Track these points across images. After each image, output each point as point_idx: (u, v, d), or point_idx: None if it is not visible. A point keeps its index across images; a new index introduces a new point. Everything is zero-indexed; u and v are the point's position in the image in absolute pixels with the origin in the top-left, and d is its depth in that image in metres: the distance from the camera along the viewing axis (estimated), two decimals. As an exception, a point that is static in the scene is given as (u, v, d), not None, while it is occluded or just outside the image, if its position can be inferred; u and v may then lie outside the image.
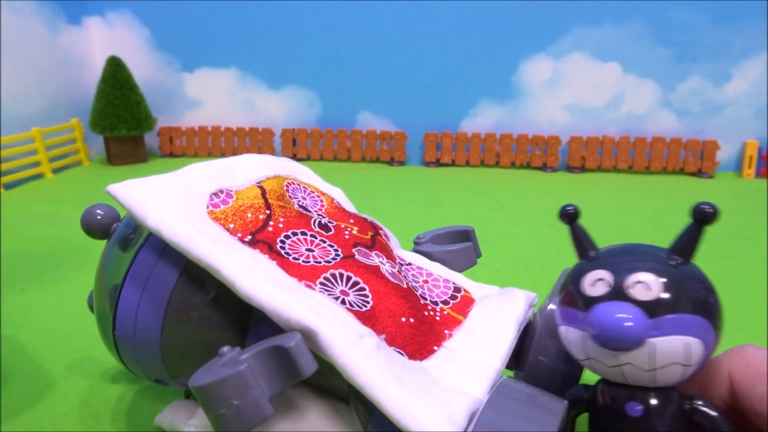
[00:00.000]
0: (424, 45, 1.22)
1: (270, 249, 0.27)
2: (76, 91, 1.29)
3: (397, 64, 1.24)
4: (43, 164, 1.15)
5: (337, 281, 0.26)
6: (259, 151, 1.32)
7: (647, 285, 0.22)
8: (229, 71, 1.32)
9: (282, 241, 0.28)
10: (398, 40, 1.23)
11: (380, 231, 0.33)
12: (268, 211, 0.29)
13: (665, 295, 0.22)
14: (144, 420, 0.36)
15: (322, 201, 0.33)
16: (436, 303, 0.29)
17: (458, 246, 0.36)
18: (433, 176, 1.16)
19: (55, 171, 1.19)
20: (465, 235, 0.38)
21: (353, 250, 0.28)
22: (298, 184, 0.33)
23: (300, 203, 0.31)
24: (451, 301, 0.30)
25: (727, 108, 1.15)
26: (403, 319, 0.26)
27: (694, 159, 1.16)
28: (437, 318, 0.28)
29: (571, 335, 0.25)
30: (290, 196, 0.31)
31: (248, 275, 0.24)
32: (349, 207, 0.35)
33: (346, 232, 0.30)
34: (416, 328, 0.26)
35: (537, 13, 1.16)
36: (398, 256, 0.33)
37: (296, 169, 0.36)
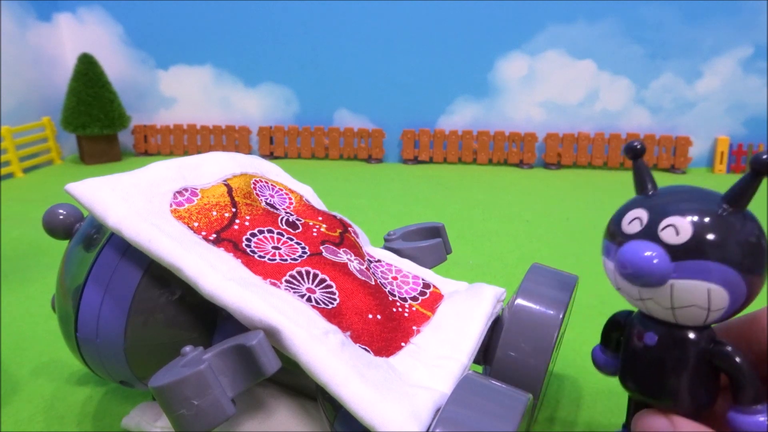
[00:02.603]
0: (401, 43, 1.22)
1: (235, 247, 0.26)
2: (46, 88, 1.26)
3: (375, 62, 1.24)
4: (13, 163, 1.13)
5: (303, 279, 0.26)
6: (236, 149, 1.31)
7: (676, 229, 0.23)
8: (205, 69, 1.30)
9: (248, 240, 0.27)
10: (375, 38, 1.22)
11: (349, 228, 0.33)
12: (234, 209, 0.29)
13: (692, 241, 0.22)
14: (111, 422, 0.35)
15: (290, 199, 0.33)
16: (404, 299, 0.29)
17: (428, 242, 0.36)
18: (410, 173, 1.16)
19: (26, 170, 1.17)
20: (435, 232, 0.38)
21: (321, 247, 0.28)
22: (266, 182, 0.33)
23: (267, 201, 0.31)
24: (420, 297, 0.30)
25: (699, 104, 1.17)
26: (370, 316, 0.26)
27: (667, 155, 1.18)
28: (405, 314, 0.28)
29: (607, 265, 0.26)
30: (257, 194, 0.31)
31: (211, 274, 0.24)
32: (319, 205, 0.35)
33: (314, 230, 0.30)
34: (383, 325, 0.26)
35: (512, 12, 1.16)
36: (367, 253, 0.33)
37: (264, 167, 0.35)
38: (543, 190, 1.02)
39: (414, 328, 0.27)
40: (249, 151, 1.32)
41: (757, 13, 1.09)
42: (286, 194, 0.33)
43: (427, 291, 0.31)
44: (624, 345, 0.28)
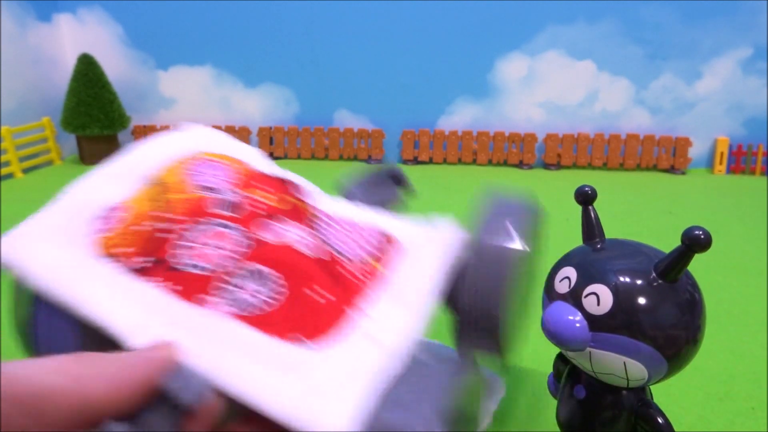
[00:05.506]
0: (401, 43, 1.22)
1: (168, 268, 0.25)
2: (46, 89, 1.26)
3: (375, 62, 1.24)
4: (12, 164, 1.13)
5: (241, 280, 0.25)
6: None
7: (598, 298, 0.23)
8: (204, 69, 1.30)
9: (182, 247, 0.26)
10: (376, 39, 1.22)
11: (296, 190, 0.31)
12: (166, 214, 0.27)
13: (610, 314, 0.22)
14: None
15: (232, 172, 0.31)
16: (360, 258, 0.28)
17: (383, 187, 0.34)
18: (410, 174, 1.14)
19: (26, 171, 1.17)
20: (392, 175, 0.36)
21: (263, 233, 0.26)
22: (204, 161, 0.31)
23: (205, 184, 0.29)
24: (376, 253, 0.28)
25: (699, 105, 1.17)
26: (321, 300, 0.25)
27: (666, 155, 1.18)
28: (359, 276, 0.27)
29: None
30: (192, 180, 0.29)
31: (138, 333, 0.23)
32: (266, 167, 0.33)
33: (258, 206, 0.28)
34: (332, 305, 0.25)
35: (512, 12, 1.16)
36: (321, 212, 0.31)
37: (204, 142, 0.33)
38: (543, 191, 1.02)
39: (366, 291, 0.26)
40: (249, 151, 1.32)
41: (756, 13, 1.09)
42: (228, 168, 0.31)
43: (384, 243, 0.29)
44: (561, 385, 0.28)
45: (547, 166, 1.21)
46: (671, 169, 1.18)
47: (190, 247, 0.26)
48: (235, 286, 0.24)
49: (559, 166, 1.21)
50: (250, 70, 1.29)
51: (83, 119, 1.18)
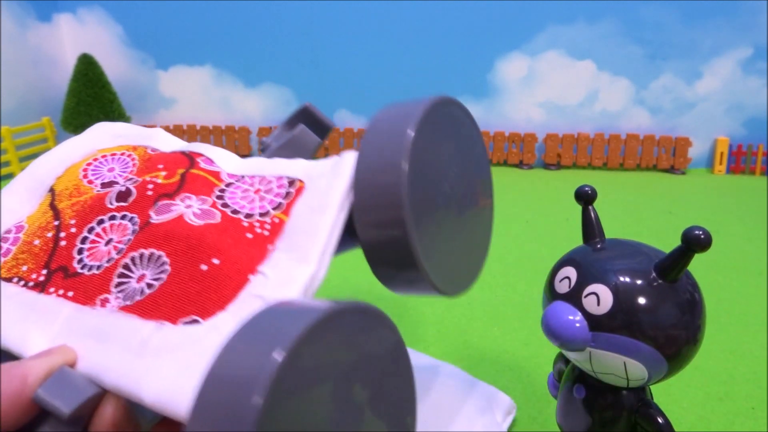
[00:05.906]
0: (401, 43, 1.22)
1: (66, 274, 0.25)
2: (46, 89, 1.26)
3: (375, 62, 1.24)
4: (13, 164, 1.13)
5: (132, 269, 0.24)
6: (236, 150, 1.31)
7: (598, 298, 0.23)
8: (204, 69, 1.30)
9: (79, 251, 0.26)
10: (375, 38, 1.22)
11: (197, 160, 0.29)
12: (56, 222, 0.27)
13: (610, 314, 0.22)
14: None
15: (132, 159, 0.30)
16: (264, 214, 0.27)
17: (291, 133, 0.31)
18: (410, 174, 1.15)
19: (26, 171, 1.17)
20: (302, 117, 0.33)
21: (152, 211, 0.26)
22: (99, 158, 0.30)
23: (104, 180, 0.29)
24: (281, 201, 0.27)
25: (699, 105, 1.17)
26: (210, 266, 0.23)
27: (666, 156, 1.18)
28: (261, 233, 0.25)
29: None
30: (89, 181, 0.29)
31: (33, 348, 0.22)
32: (170, 146, 0.31)
33: (149, 188, 0.27)
34: (227, 272, 0.24)
35: (512, 12, 1.16)
36: (227, 175, 0.30)
37: (102, 139, 0.31)
38: (543, 191, 1.02)
39: (268, 246, 0.25)
40: (249, 152, 1.32)
41: (756, 13, 1.09)
42: (128, 156, 0.30)
43: (292, 190, 0.28)
44: (561, 384, 0.28)
45: (547, 166, 1.21)
46: (671, 169, 1.18)
47: (84, 249, 0.25)
48: (126, 276, 0.23)
49: (559, 166, 1.21)
50: (250, 70, 1.29)
51: (83, 119, 1.18)
